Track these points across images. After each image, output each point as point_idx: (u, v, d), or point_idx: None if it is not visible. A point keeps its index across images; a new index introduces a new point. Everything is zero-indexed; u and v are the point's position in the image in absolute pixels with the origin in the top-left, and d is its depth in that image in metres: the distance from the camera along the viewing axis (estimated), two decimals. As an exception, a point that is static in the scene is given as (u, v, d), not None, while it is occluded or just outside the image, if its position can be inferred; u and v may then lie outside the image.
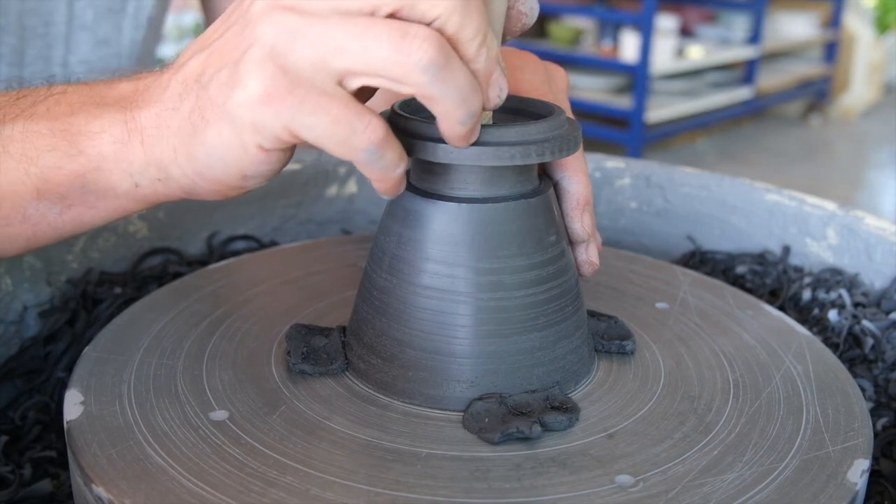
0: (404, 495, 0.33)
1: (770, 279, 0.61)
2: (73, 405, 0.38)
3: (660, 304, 0.50)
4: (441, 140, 0.35)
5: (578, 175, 0.43)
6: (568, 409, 0.38)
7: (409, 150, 0.36)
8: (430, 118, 0.37)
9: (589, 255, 0.43)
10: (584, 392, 0.40)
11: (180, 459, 0.34)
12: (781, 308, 0.57)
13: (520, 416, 0.37)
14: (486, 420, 0.37)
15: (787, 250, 0.62)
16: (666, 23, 3.46)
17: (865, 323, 0.52)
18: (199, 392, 0.39)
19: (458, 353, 0.38)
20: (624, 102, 3.42)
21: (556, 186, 0.42)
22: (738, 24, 3.92)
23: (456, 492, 0.33)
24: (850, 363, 0.51)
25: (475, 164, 0.36)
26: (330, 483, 0.33)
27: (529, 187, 0.39)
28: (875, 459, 0.43)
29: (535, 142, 0.36)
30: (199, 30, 2.62)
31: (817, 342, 0.46)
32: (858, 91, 4.42)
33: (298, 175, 0.67)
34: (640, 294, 0.51)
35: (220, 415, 0.37)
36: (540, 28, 3.84)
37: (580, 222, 0.42)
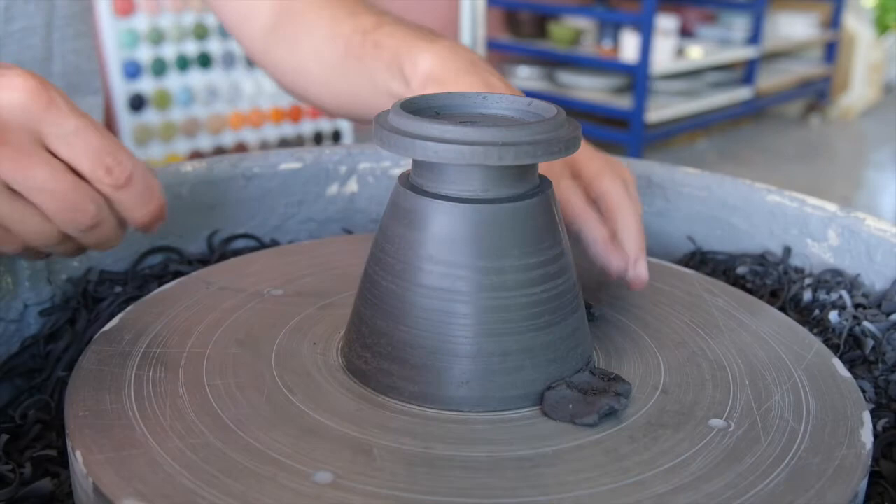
0: (405, 496, 0.33)
1: (771, 280, 0.61)
2: (73, 405, 0.38)
3: (659, 305, 0.50)
4: (442, 139, 0.35)
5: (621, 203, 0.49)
6: (620, 378, 0.40)
7: (410, 149, 0.36)
8: (432, 117, 0.37)
9: (638, 271, 0.47)
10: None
11: (180, 459, 0.34)
12: (782, 309, 0.57)
13: (594, 394, 0.38)
14: (572, 406, 0.38)
15: (787, 251, 0.62)
16: (666, 23, 3.46)
17: (866, 324, 0.52)
18: (200, 392, 0.39)
19: (458, 353, 0.38)
20: (624, 102, 3.42)
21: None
22: (738, 25, 3.92)
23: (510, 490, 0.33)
24: (851, 364, 0.51)
25: (476, 164, 0.36)
26: (329, 483, 0.33)
27: (530, 187, 0.39)
28: (875, 460, 0.43)
29: (534, 142, 0.36)
30: (199, 30, 2.62)
31: (818, 343, 0.46)
32: (858, 91, 4.42)
33: (299, 174, 0.67)
34: (639, 294, 0.51)
35: (219, 414, 0.37)
36: (540, 28, 3.84)
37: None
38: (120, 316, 0.47)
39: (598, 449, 0.36)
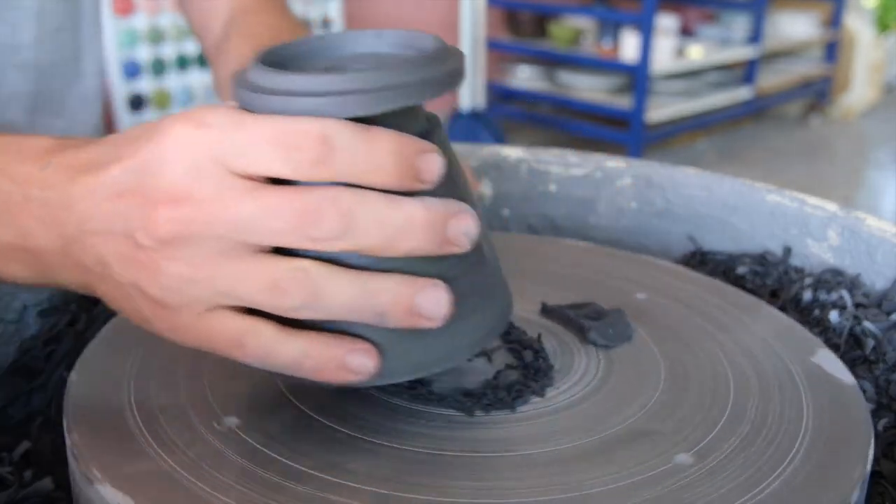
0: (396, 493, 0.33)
1: (771, 280, 0.61)
2: (72, 406, 0.38)
3: (659, 305, 0.50)
4: (306, 94, 0.31)
5: None
6: (590, 302, 0.47)
7: (273, 108, 0.32)
8: (296, 69, 0.34)
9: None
10: (582, 390, 0.40)
11: (181, 460, 0.34)
12: (782, 309, 0.57)
13: (604, 318, 0.44)
14: (611, 331, 0.43)
15: (787, 251, 0.62)
16: (666, 22, 3.46)
17: (866, 324, 0.52)
18: (200, 391, 0.39)
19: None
20: (624, 102, 3.41)
21: None
22: (739, 24, 3.92)
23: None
24: (851, 364, 0.51)
25: (344, 116, 0.31)
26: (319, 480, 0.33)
27: (417, 129, 0.34)
28: (876, 460, 0.43)
29: (405, 84, 0.32)
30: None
31: (818, 343, 0.46)
32: (859, 91, 4.42)
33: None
34: (639, 294, 0.51)
35: (219, 413, 0.37)
36: (540, 28, 3.84)
37: None
38: (118, 316, 0.47)
39: (600, 446, 0.36)
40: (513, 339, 0.44)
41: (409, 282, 0.32)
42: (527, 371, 0.41)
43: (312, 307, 0.31)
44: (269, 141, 0.30)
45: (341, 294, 0.31)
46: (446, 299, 0.32)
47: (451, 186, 0.34)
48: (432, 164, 0.31)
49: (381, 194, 0.31)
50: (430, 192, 0.32)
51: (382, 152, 0.31)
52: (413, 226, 0.31)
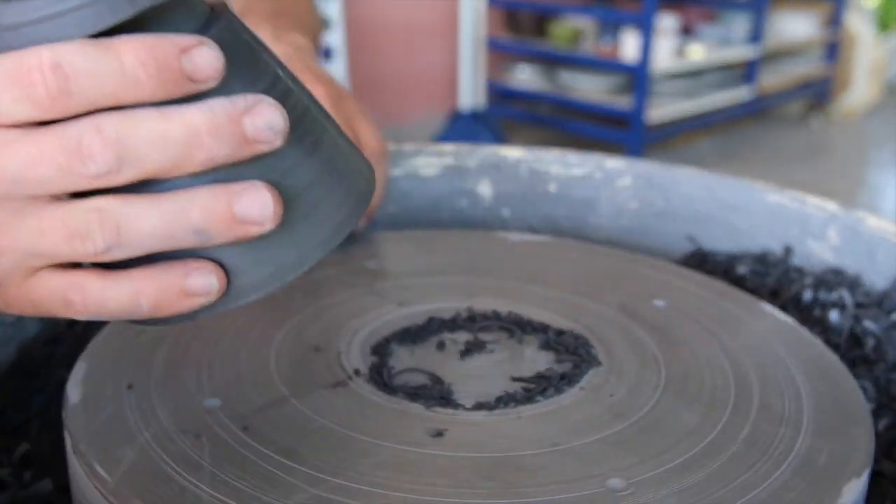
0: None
1: (771, 280, 0.61)
2: (71, 407, 0.38)
3: (659, 303, 0.50)
4: (31, 23, 0.27)
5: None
6: None
7: (2, 46, 0.27)
8: None
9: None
10: (582, 389, 0.40)
11: (180, 460, 0.34)
12: (783, 308, 0.57)
13: None
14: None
15: (788, 251, 0.62)
16: (666, 22, 3.46)
17: (867, 323, 0.52)
18: (201, 390, 0.39)
19: None
20: (624, 102, 3.41)
21: None
22: (739, 24, 3.92)
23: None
24: (852, 364, 0.51)
25: (83, 36, 0.27)
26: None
27: (190, 25, 0.29)
28: (876, 460, 0.43)
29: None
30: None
31: (818, 343, 0.46)
32: (859, 91, 4.42)
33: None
34: (639, 294, 0.51)
35: (218, 411, 0.37)
36: (539, 27, 3.84)
37: None
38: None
39: (611, 440, 0.36)
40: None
41: (222, 190, 0.29)
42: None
43: (121, 245, 0.28)
44: (1, 85, 0.27)
45: (148, 222, 0.28)
46: (270, 198, 0.29)
47: (251, 77, 0.30)
48: (203, 60, 0.27)
49: (152, 110, 0.27)
50: (224, 89, 0.28)
51: (131, 64, 0.27)
52: (199, 134, 0.28)
